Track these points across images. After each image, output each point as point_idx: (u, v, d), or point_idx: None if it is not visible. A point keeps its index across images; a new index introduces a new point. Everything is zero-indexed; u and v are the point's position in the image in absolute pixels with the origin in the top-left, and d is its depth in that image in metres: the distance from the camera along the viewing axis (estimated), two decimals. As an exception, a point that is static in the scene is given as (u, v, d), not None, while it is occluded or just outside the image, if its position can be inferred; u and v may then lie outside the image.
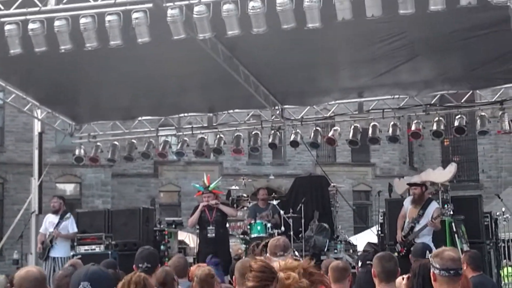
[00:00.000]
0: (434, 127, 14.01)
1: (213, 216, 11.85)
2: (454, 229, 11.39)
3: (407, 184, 11.73)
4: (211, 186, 12.53)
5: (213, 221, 11.82)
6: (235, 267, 5.26)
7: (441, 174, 13.22)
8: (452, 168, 13.40)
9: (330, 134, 15.02)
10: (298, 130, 15.21)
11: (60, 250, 12.52)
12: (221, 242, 11.82)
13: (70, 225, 12.65)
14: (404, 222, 11.18)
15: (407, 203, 11.39)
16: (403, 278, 5.16)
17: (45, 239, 12.48)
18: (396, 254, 10.02)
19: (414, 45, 11.18)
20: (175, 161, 28.09)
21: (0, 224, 25.72)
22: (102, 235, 13.16)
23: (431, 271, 4.42)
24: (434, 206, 11.10)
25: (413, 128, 14.27)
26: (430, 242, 10.58)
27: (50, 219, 12.70)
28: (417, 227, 10.89)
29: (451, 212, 11.29)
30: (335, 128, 15.19)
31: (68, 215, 12.76)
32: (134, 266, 5.86)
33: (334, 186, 14.60)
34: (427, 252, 5.90)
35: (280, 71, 12.69)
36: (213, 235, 11.76)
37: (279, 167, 30.92)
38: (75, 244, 13.13)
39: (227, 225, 12.28)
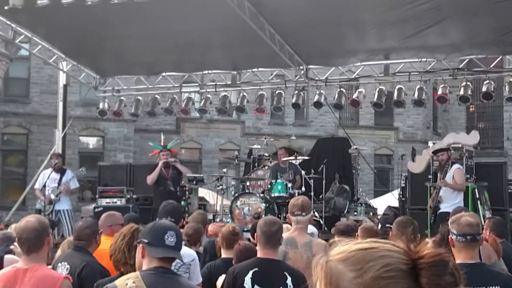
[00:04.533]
0: (461, 92, 13.78)
1: (169, 174, 12.32)
2: (477, 196, 11.29)
3: (432, 152, 11.50)
4: (169, 145, 12.96)
5: (170, 177, 12.33)
6: (256, 225, 5.26)
7: (467, 138, 12.99)
8: (476, 134, 13.20)
9: (354, 96, 14.89)
10: (322, 91, 15.09)
11: (63, 203, 12.73)
12: (176, 197, 12.18)
13: (72, 182, 12.81)
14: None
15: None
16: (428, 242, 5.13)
17: (46, 194, 12.58)
18: None
19: (443, 7, 10.98)
20: (197, 119, 28.10)
21: (24, 174, 26.07)
22: (123, 189, 13.28)
23: (449, 237, 4.39)
24: (454, 168, 10.90)
25: (439, 92, 14.09)
26: (453, 207, 10.43)
27: (51, 175, 12.78)
28: (441, 192, 10.76)
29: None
30: (359, 90, 15.06)
31: (71, 173, 12.90)
32: (157, 219, 5.89)
33: (356, 148, 14.51)
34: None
35: (306, 31, 12.55)
36: (172, 188, 12.24)
37: (301, 127, 30.82)
38: (97, 196, 13.28)
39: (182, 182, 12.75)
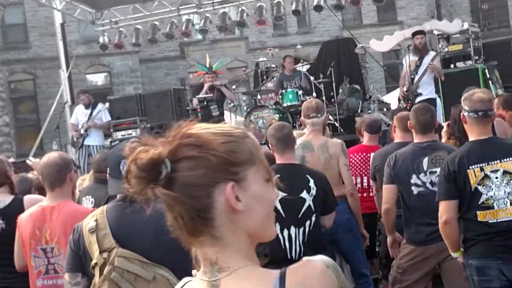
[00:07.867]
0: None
1: (215, 96, 12.18)
2: (488, 76, 11.18)
3: (412, 34, 11.21)
4: (214, 66, 12.82)
5: (215, 100, 12.19)
6: (268, 134, 5.16)
7: (449, 25, 12.93)
8: (459, 22, 13.10)
9: (354, -6, 14.61)
10: (321, -7, 14.84)
11: (94, 139, 12.74)
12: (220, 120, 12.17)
13: (104, 115, 12.77)
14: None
15: (406, 59, 10.81)
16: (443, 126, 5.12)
17: (78, 129, 12.67)
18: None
19: None
20: (200, 41, 27.85)
21: (37, 120, 26.20)
22: (136, 119, 13.28)
23: (461, 114, 4.34)
24: (432, 53, 10.66)
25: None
26: (432, 93, 10.42)
27: (82, 110, 12.82)
28: (417, 77, 10.41)
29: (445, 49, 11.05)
30: (358, -13, 14.76)
31: (102, 106, 12.85)
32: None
33: (362, 47, 14.32)
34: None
35: None
36: (217, 113, 12.07)
37: (305, 35, 30.47)
38: (112, 130, 13.31)
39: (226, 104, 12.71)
